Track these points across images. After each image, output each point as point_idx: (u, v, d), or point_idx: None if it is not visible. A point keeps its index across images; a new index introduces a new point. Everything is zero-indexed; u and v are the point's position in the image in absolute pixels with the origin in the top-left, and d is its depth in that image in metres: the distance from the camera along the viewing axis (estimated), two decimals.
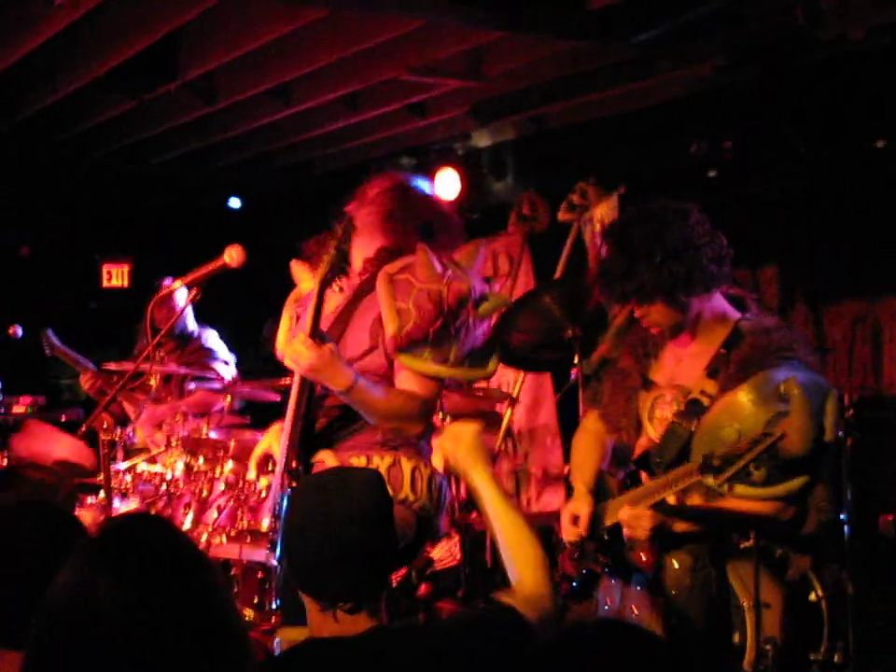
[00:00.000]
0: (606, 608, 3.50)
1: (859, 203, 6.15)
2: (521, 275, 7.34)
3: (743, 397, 3.12)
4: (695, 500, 3.34)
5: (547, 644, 1.72)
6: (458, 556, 5.29)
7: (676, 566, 3.36)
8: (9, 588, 2.22)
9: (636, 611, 3.42)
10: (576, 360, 5.51)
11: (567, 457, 6.85)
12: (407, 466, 3.66)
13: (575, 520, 3.57)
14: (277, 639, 3.36)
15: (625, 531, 3.37)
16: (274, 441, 3.85)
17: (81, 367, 6.78)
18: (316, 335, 3.53)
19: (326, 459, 3.64)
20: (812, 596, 4.31)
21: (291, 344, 3.58)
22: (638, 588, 3.42)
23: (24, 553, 2.25)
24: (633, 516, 3.33)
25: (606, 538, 3.49)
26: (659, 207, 3.38)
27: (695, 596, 3.35)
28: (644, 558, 3.37)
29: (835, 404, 3.17)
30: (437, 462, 3.71)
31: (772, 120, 6.17)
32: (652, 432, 3.50)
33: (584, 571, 3.56)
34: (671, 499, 3.34)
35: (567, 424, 6.47)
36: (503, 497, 2.75)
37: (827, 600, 4.30)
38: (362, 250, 3.77)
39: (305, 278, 3.97)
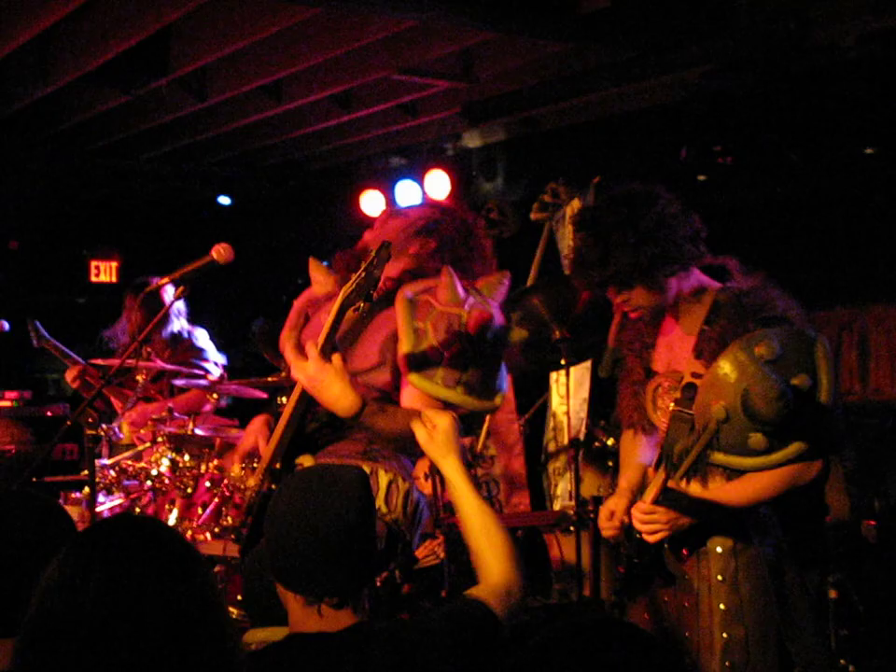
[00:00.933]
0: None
1: (847, 211, 6.17)
2: None
3: (722, 371, 3.06)
4: (717, 482, 3.30)
5: (539, 641, 1.73)
6: (441, 555, 5.30)
7: (719, 550, 3.31)
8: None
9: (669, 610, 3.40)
10: (563, 362, 5.54)
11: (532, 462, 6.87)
12: (384, 478, 3.64)
13: (611, 516, 3.53)
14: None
15: (646, 537, 3.31)
16: (261, 437, 3.82)
17: (68, 359, 6.77)
18: (327, 350, 3.46)
19: (305, 463, 3.62)
20: None
21: (297, 356, 3.54)
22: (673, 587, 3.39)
23: (11, 542, 2.26)
24: (644, 512, 3.29)
25: (638, 536, 3.39)
26: (627, 191, 3.37)
27: (744, 578, 3.28)
28: (684, 552, 3.34)
29: (826, 352, 3.08)
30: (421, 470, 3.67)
31: (762, 127, 6.18)
32: (659, 423, 3.49)
33: (629, 569, 3.51)
34: (693, 489, 3.29)
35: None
36: (472, 489, 2.78)
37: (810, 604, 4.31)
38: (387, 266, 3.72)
39: (320, 280, 3.92)
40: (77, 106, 7.57)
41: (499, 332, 3.58)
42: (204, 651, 1.80)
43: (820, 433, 3.11)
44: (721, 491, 3.28)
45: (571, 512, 5.68)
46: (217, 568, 4.74)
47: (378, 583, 3.76)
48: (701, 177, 6.51)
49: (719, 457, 3.14)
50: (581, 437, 6.31)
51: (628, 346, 3.62)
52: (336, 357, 3.45)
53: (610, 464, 5.97)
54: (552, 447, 7.02)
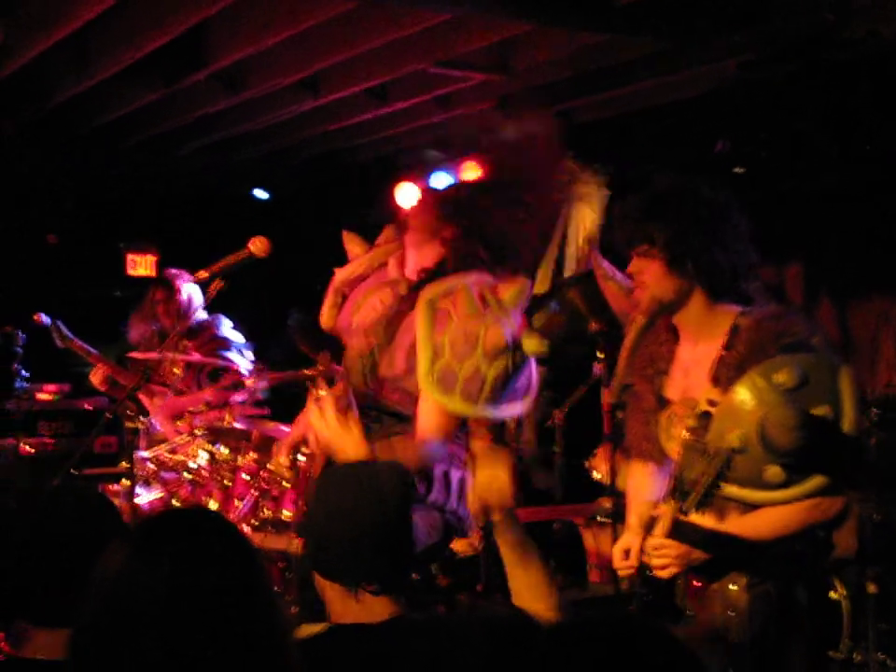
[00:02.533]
0: None
1: (885, 201, 6.12)
2: None
3: (738, 398, 2.97)
4: (733, 517, 3.20)
5: (557, 630, 1.73)
6: (478, 547, 5.31)
7: (733, 587, 3.20)
8: (49, 569, 2.26)
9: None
10: (599, 355, 5.52)
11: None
12: (438, 468, 3.64)
13: (627, 554, 3.43)
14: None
15: (657, 573, 3.22)
16: (309, 430, 3.81)
17: (93, 358, 6.75)
18: (344, 409, 3.36)
19: None
20: (833, 594, 4.29)
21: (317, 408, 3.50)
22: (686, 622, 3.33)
23: (62, 536, 2.28)
24: (654, 548, 3.21)
25: (649, 573, 3.30)
26: (713, 189, 3.32)
27: (757, 613, 3.20)
28: (696, 585, 3.25)
29: (851, 381, 2.97)
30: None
31: (799, 118, 6.13)
32: (672, 453, 3.38)
33: (640, 606, 3.45)
34: (707, 523, 3.21)
35: (592, 420, 6.47)
36: (517, 544, 2.77)
37: (849, 599, 4.28)
38: (417, 252, 3.68)
39: (356, 251, 3.91)
40: (113, 101, 7.60)
41: (517, 347, 3.52)
42: (259, 644, 1.82)
43: (843, 467, 3.01)
44: (735, 526, 3.18)
45: (608, 505, 5.67)
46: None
47: (415, 576, 3.77)
48: (738, 169, 6.47)
49: (733, 490, 3.06)
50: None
51: (640, 372, 3.52)
52: (354, 421, 3.39)
53: None
54: None
